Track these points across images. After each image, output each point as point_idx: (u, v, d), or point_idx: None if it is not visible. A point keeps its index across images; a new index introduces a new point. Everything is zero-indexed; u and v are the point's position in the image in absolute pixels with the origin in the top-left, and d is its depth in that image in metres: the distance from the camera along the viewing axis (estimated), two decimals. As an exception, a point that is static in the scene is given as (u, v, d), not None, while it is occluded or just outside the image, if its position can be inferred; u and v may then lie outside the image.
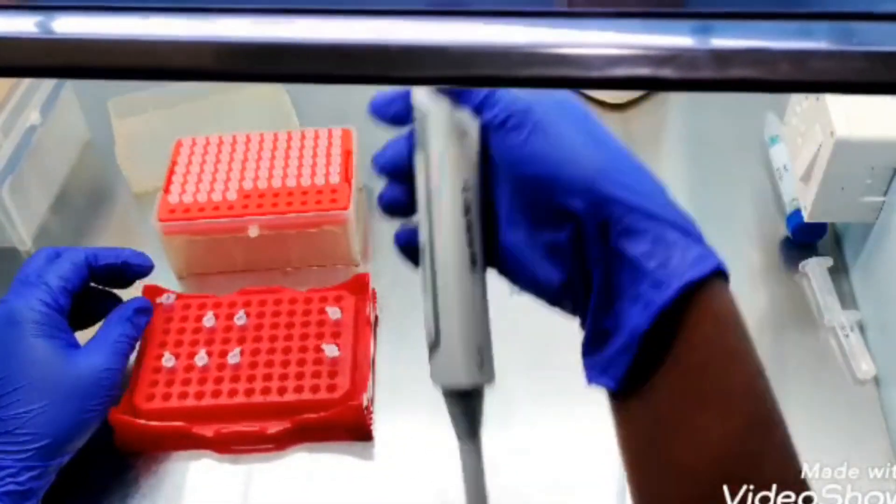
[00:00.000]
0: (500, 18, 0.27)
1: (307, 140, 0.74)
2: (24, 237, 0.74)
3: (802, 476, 0.34)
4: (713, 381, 0.33)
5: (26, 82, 0.75)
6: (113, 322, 0.59)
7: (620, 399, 0.35)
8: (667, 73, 0.26)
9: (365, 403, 0.60)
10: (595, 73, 0.26)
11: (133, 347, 0.59)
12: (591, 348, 0.35)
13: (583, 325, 0.36)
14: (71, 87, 0.81)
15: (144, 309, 0.61)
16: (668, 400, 0.33)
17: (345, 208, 0.68)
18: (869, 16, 0.25)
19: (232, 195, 0.70)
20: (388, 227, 0.73)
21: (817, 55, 0.25)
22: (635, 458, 0.36)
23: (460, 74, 0.27)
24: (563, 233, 0.34)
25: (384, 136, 0.78)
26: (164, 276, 0.70)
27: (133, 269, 0.62)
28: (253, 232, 0.68)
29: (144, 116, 0.78)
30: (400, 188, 0.39)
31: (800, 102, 0.67)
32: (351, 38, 0.27)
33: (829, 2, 0.27)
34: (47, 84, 0.77)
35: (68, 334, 0.57)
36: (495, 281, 0.67)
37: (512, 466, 0.56)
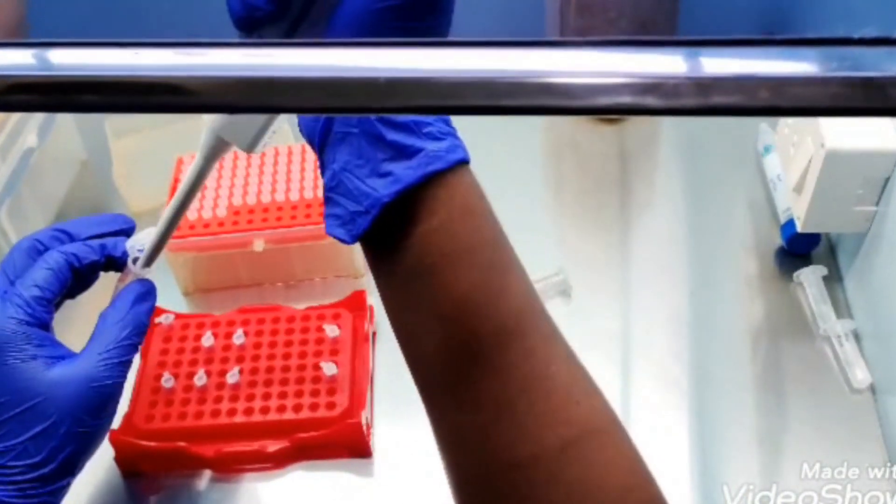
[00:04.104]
0: (485, 48, 0.27)
1: (308, 153, 0.74)
2: (23, 259, 0.75)
3: (544, 313, 0.39)
4: (460, 239, 0.37)
5: (23, 105, 0.75)
6: (108, 322, 0.51)
7: (370, 249, 0.39)
8: (650, 101, 0.26)
9: (364, 421, 0.60)
10: (580, 102, 0.27)
11: (136, 347, 0.51)
12: (332, 203, 0.39)
13: (323, 174, 0.39)
14: (68, 107, 0.82)
15: (144, 294, 0.53)
16: (416, 257, 0.37)
17: (347, 221, 0.69)
18: (847, 42, 0.26)
19: (236, 210, 0.70)
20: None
21: (796, 81, 0.26)
22: (390, 303, 0.40)
23: (446, 104, 0.28)
24: None
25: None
26: (168, 294, 0.71)
27: (117, 262, 0.55)
28: (258, 246, 0.69)
29: (141, 136, 0.79)
30: None
31: (791, 113, 0.67)
32: (340, 69, 0.27)
33: (809, 29, 0.27)
34: (44, 106, 0.78)
35: (52, 347, 0.50)
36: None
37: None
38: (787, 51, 0.26)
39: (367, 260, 0.40)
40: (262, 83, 0.28)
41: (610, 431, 0.38)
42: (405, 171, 0.37)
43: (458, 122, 0.39)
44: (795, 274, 0.69)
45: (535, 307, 0.39)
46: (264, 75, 0.27)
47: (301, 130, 0.40)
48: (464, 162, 0.38)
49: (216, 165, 0.47)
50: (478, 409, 0.37)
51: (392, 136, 0.36)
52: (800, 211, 0.65)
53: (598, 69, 0.27)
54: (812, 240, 0.70)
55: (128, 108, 0.31)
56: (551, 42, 0.27)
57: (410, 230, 0.37)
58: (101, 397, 0.49)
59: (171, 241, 0.68)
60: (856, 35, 0.26)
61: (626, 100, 0.26)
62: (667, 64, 0.26)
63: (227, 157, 0.75)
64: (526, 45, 0.27)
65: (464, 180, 0.38)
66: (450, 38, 0.29)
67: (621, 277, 0.71)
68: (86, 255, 0.53)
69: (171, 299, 0.71)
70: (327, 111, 0.31)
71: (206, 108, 0.28)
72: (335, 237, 0.38)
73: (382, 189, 0.37)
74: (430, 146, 0.37)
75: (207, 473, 0.60)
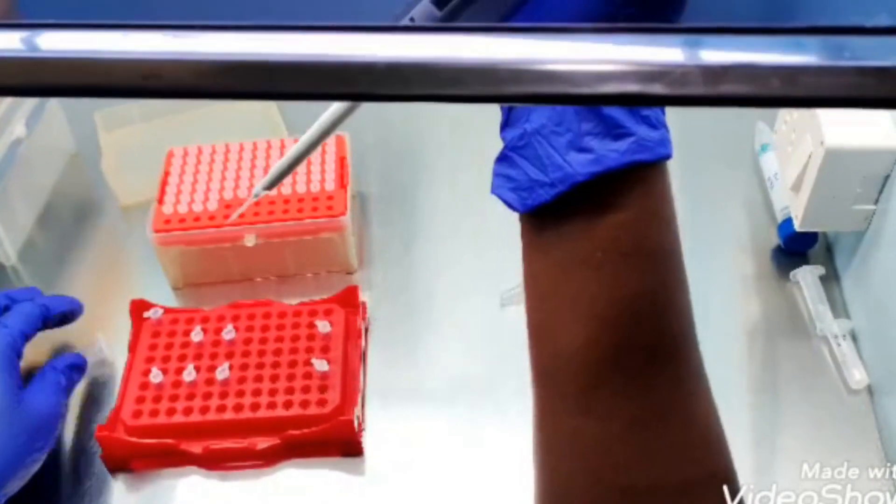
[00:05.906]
0: (489, 34, 0.26)
1: (300, 148, 0.73)
2: (9, 252, 0.73)
3: (697, 344, 0.35)
4: (642, 241, 0.34)
5: (11, 95, 0.74)
6: (49, 369, 0.59)
7: (534, 224, 0.36)
8: (657, 89, 0.25)
9: (355, 418, 0.59)
10: (585, 90, 0.26)
11: (69, 394, 0.60)
12: (509, 163, 0.35)
13: (505, 129, 0.35)
14: (56, 99, 0.81)
15: (79, 367, 0.62)
16: (590, 247, 0.34)
17: (342, 214, 0.68)
18: (860, 30, 0.25)
19: (227, 204, 0.69)
20: (380, 235, 0.74)
21: (808, 70, 0.25)
22: (539, 287, 0.36)
23: (448, 92, 0.27)
24: None
25: (377, 141, 0.77)
26: (157, 289, 0.70)
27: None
28: (249, 241, 0.68)
29: (131, 128, 0.78)
30: None
31: (790, 112, 0.67)
32: (335, 55, 0.26)
33: (820, 16, 0.26)
34: (32, 97, 0.77)
35: (19, 378, 0.57)
36: (487, 295, 0.67)
37: (515, 469, 0.56)
38: (799, 39, 0.25)
39: (522, 233, 0.36)
40: (254, 68, 0.27)
41: (730, 483, 0.36)
42: (609, 153, 0.33)
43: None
44: (792, 273, 0.68)
45: (693, 335, 0.35)
46: (257, 60, 0.27)
47: None
48: (668, 158, 0.34)
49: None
50: (607, 421, 0.34)
51: (608, 108, 0.33)
52: (798, 209, 0.64)
53: (604, 56, 0.26)
54: (809, 239, 0.69)
55: (114, 92, 0.30)
56: (556, 28, 0.26)
57: (593, 218, 0.34)
58: (57, 422, 0.57)
59: (159, 235, 0.68)
60: (868, 24, 0.25)
61: (632, 88, 0.26)
62: (675, 52, 0.26)
63: (218, 150, 0.74)
64: (530, 31, 0.26)
65: (662, 179, 0.35)
66: (452, 24, 0.28)
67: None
68: (56, 307, 0.63)
69: (161, 294, 0.70)
70: (322, 97, 0.30)
71: (196, 94, 0.27)
72: (503, 200, 0.35)
73: (579, 166, 0.33)
74: (643, 132, 0.33)
75: (196, 470, 0.59)
